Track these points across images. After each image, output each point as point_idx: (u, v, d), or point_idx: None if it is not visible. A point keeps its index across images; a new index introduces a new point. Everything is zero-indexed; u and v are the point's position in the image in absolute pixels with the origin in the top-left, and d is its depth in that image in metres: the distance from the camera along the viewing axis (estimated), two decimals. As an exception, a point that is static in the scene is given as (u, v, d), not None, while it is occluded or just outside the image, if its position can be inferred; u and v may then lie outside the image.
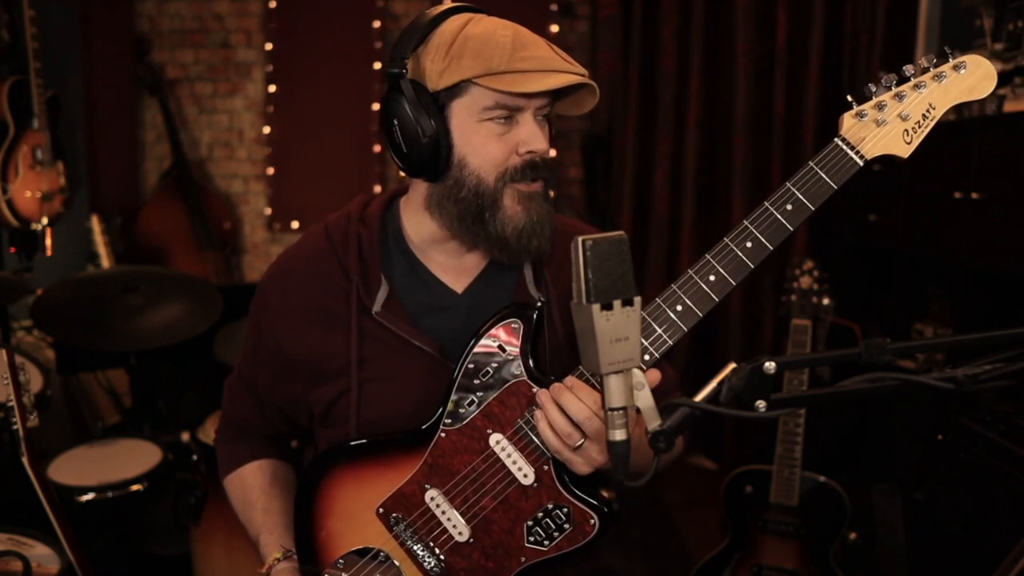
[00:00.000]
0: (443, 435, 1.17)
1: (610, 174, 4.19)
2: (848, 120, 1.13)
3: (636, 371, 0.86)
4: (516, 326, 1.16)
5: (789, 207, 1.11)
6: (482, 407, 1.16)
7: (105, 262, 3.46)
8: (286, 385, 1.30)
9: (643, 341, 1.08)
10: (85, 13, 3.79)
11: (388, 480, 1.18)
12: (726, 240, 1.12)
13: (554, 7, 4.29)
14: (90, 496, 2.26)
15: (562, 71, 1.13)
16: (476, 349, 1.17)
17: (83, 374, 3.20)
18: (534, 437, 1.13)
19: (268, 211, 4.49)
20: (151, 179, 4.50)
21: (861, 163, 1.12)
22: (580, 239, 0.84)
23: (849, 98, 1.14)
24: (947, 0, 2.80)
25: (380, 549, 1.19)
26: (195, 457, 2.46)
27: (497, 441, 1.15)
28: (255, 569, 1.30)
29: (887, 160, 1.13)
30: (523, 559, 1.15)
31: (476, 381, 1.17)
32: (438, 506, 1.16)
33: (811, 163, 1.12)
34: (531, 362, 1.16)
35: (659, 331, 1.10)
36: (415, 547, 1.17)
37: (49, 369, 2.72)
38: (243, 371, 1.38)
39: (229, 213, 4.43)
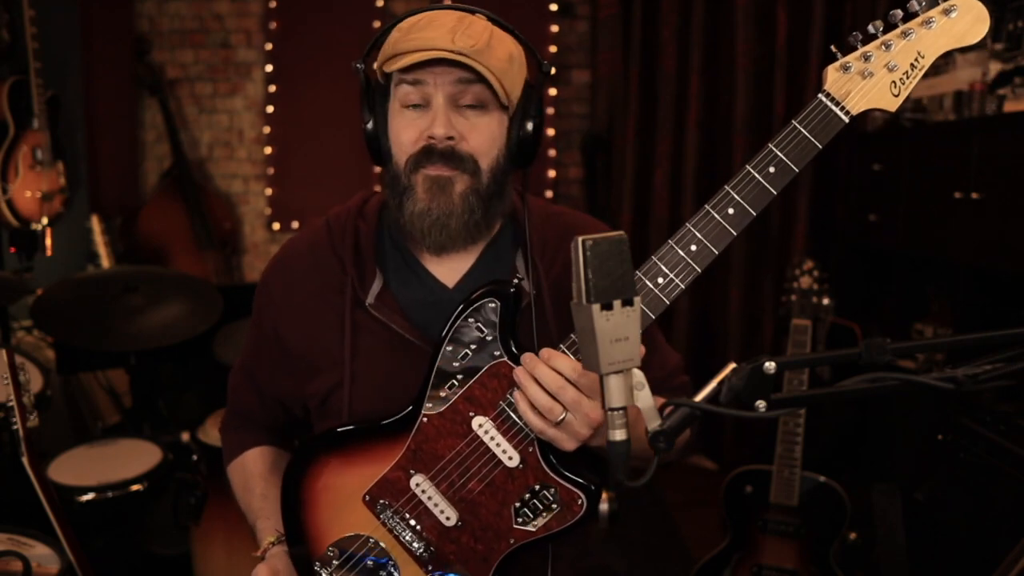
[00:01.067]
0: (425, 420, 1.16)
1: (610, 174, 4.18)
2: (832, 73, 1.06)
3: (636, 371, 0.86)
4: (493, 305, 1.14)
5: (772, 169, 1.05)
6: (463, 390, 1.15)
7: (105, 262, 3.46)
8: (284, 376, 1.32)
9: None
10: (85, 13, 3.79)
11: (373, 467, 1.18)
12: (707, 207, 1.06)
13: (554, 7, 4.29)
14: (90, 496, 2.26)
15: (439, 49, 1.12)
16: (454, 332, 1.15)
17: (83, 374, 3.20)
18: (516, 419, 1.12)
19: (268, 211, 4.49)
20: (151, 179, 4.50)
21: (846, 119, 1.06)
22: (580, 239, 0.83)
23: (833, 48, 1.07)
24: (947, 0, 2.80)
25: (369, 536, 1.18)
26: (195, 457, 2.46)
27: (480, 424, 1.14)
28: (252, 558, 1.31)
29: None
30: (512, 540, 1.14)
31: (456, 364, 1.15)
32: (424, 491, 1.16)
33: (794, 122, 1.05)
34: (511, 342, 1.14)
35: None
36: (403, 533, 1.17)
37: (49, 369, 2.72)
38: (246, 361, 1.40)
39: (229, 213, 4.43)
